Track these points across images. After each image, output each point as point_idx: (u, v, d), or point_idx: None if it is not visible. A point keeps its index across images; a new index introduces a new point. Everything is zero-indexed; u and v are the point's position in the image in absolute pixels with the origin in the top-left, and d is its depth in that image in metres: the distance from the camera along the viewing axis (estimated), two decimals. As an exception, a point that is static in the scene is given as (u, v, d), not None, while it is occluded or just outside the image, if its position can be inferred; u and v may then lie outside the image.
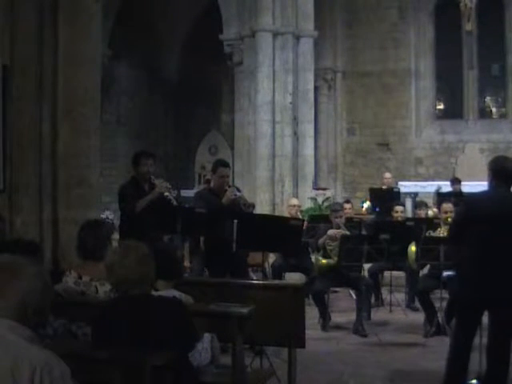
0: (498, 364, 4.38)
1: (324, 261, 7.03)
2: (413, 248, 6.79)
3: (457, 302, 4.78)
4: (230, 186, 6.49)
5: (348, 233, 7.18)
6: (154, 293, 3.25)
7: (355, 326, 6.82)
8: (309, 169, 11.29)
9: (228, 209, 6.23)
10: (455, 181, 10.86)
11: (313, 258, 7.53)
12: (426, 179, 13.78)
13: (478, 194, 4.94)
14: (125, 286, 3.00)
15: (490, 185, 4.51)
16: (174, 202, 6.15)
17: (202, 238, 6.86)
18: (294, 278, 8.49)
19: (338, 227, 7.17)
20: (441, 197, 9.23)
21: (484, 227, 4.30)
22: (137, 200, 5.99)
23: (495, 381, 4.40)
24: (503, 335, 4.40)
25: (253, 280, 6.94)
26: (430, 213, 9.42)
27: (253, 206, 6.56)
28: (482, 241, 4.33)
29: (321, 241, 7.05)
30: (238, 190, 6.52)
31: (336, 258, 6.88)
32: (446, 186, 11.06)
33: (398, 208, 8.72)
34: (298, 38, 11.15)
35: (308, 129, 11.27)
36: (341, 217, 7.29)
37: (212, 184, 6.60)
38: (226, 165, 6.53)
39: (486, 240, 4.32)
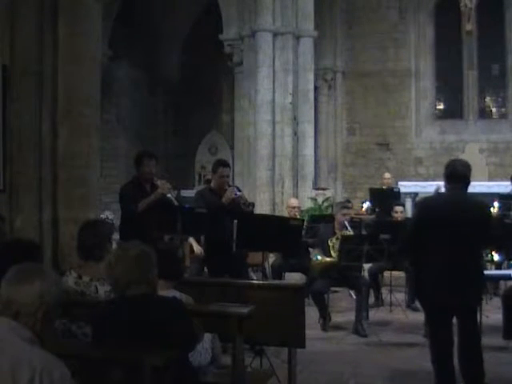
0: (474, 368, 4.36)
1: (320, 258, 7.01)
2: (413, 248, 6.78)
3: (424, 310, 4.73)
4: (230, 186, 6.50)
5: (351, 232, 7.19)
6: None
7: (355, 325, 6.82)
8: (309, 169, 11.29)
9: (228, 208, 6.24)
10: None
11: (312, 255, 7.51)
12: (425, 179, 13.73)
13: (433, 198, 4.94)
14: (123, 286, 2.99)
15: (446, 188, 4.51)
16: (175, 203, 6.14)
17: (202, 238, 6.87)
18: (294, 277, 8.49)
19: (343, 225, 7.18)
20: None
21: (441, 231, 4.27)
22: (137, 200, 5.99)
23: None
24: (471, 339, 4.39)
25: (253, 280, 6.93)
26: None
27: (252, 204, 6.55)
28: (440, 245, 4.28)
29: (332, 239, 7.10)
30: (238, 190, 6.52)
31: (336, 254, 6.88)
32: (445, 187, 11.04)
33: (398, 208, 8.72)
34: (298, 38, 11.14)
35: (308, 129, 11.27)
36: (347, 215, 7.32)
37: (212, 184, 6.61)
38: (226, 164, 6.54)
39: (444, 244, 4.27)
